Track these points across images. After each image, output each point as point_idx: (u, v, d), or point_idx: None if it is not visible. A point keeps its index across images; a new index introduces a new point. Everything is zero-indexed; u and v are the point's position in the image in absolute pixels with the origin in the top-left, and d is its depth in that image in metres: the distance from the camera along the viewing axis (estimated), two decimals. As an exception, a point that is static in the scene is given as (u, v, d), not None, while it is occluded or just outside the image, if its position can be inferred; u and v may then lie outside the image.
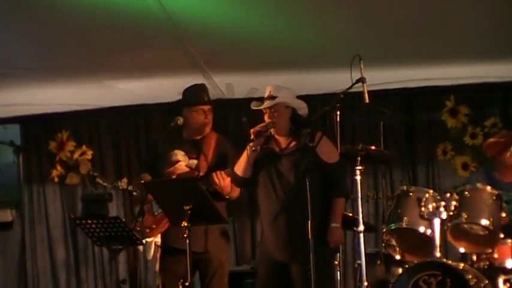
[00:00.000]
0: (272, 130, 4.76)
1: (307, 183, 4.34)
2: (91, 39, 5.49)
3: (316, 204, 4.52)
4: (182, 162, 5.07)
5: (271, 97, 4.76)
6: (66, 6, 4.78)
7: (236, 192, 5.04)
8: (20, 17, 4.98)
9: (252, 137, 4.70)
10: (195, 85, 5.22)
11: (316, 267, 4.35)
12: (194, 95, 5.11)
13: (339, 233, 4.67)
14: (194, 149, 5.11)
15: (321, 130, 4.69)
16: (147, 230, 5.09)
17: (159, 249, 5.69)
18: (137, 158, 7.30)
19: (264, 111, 4.79)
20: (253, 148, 4.74)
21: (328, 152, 4.71)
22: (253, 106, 4.82)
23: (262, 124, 4.76)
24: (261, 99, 4.86)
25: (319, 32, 5.54)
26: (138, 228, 5.09)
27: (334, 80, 5.96)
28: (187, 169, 5.06)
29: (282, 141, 4.82)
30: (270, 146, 4.82)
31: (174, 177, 4.99)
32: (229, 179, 4.90)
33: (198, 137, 5.12)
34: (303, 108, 4.84)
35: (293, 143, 4.78)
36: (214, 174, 4.88)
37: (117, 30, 5.27)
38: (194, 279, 4.94)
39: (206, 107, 5.10)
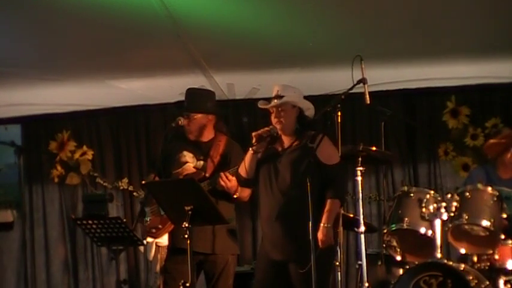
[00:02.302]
0: (279, 130, 4.73)
1: (308, 184, 4.30)
2: (92, 38, 5.48)
3: (313, 205, 4.51)
4: (190, 163, 5.09)
5: (279, 96, 4.72)
6: (67, 5, 4.78)
7: (246, 192, 5.01)
8: (21, 17, 4.97)
9: (253, 140, 4.69)
10: (190, 90, 5.21)
11: (310, 267, 4.33)
12: (188, 102, 5.12)
13: (328, 233, 4.55)
14: (203, 150, 5.12)
15: (323, 132, 4.67)
16: (154, 231, 5.11)
17: (160, 250, 5.69)
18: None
19: (271, 111, 4.76)
20: (257, 151, 4.73)
21: (328, 154, 4.65)
22: (261, 105, 4.80)
23: (265, 129, 4.72)
24: (262, 99, 4.85)
25: (320, 31, 5.53)
26: (148, 229, 5.11)
27: (336, 80, 5.95)
28: (194, 170, 5.08)
29: (286, 140, 4.79)
30: (274, 146, 4.80)
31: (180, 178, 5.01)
32: (235, 179, 4.88)
33: (205, 140, 5.14)
34: (310, 109, 4.80)
35: (295, 143, 4.75)
36: (221, 174, 4.88)
37: (118, 29, 5.27)
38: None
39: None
